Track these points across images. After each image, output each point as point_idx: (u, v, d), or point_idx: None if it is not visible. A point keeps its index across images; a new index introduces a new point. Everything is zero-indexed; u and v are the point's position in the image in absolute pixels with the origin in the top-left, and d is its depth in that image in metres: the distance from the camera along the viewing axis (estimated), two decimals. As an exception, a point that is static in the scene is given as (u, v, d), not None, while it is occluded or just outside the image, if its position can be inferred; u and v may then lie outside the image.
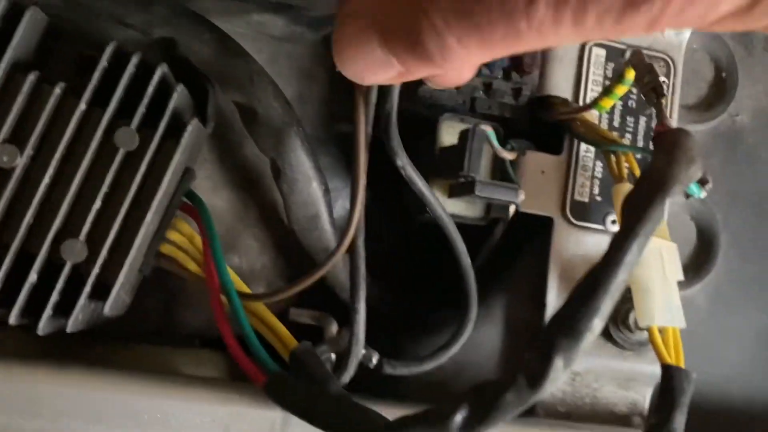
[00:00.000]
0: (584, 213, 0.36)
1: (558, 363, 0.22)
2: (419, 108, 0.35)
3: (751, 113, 0.41)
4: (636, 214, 0.23)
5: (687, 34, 0.38)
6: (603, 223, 0.36)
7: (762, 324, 0.40)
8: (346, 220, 0.31)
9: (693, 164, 0.25)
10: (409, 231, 0.39)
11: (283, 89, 0.34)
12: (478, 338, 0.36)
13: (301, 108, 0.37)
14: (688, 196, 0.30)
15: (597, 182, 0.36)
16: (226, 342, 0.27)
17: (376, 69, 0.18)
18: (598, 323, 0.22)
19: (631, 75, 0.31)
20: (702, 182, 0.29)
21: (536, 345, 0.23)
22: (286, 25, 0.36)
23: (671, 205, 0.39)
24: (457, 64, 0.16)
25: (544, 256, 0.36)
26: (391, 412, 0.25)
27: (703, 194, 0.30)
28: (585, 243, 0.36)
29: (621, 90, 0.32)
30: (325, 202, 0.34)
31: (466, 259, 0.33)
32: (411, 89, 0.36)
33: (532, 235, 0.37)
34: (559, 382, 0.23)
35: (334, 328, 0.32)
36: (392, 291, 0.38)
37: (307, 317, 0.32)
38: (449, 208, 0.35)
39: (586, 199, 0.36)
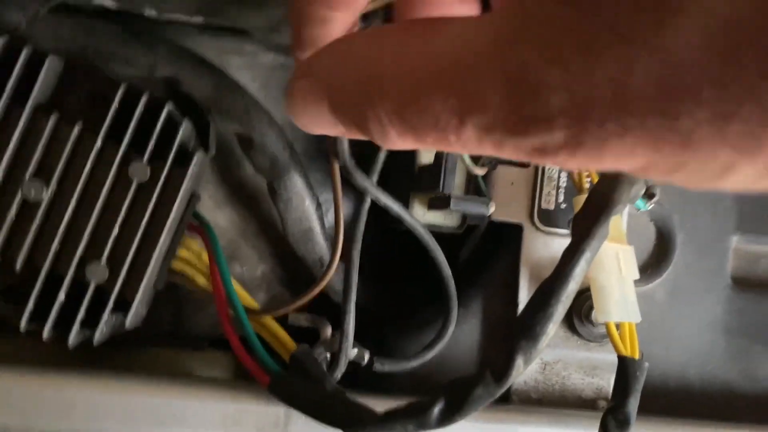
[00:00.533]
0: (551, 219, 0.40)
1: (519, 361, 0.26)
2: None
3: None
4: (582, 232, 0.26)
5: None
6: (568, 227, 0.40)
7: (716, 313, 0.44)
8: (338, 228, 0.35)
9: (635, 185, 0.28)
10: (394, 236, 0.43)
11: (276, 113, 0.37)
12: (459, 335, 0.40)
13: (293, 129, 0.41)
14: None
15: (562, 191, 0.40)
16: (233, 347, 0.31)
17: (322, 126, 0.18)
18: (551, 327, 0.26)
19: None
20: (649, 196, 0.33)
21: (501, 346, 0.27)
22: (275, 57, 0.39)
23: (631, 209, 0.43)
24: (397, 146, 0.17)
25: (516, 259, 0.40)
26: (381, 404, 0.29)
27: (649, 206, 0.33)
28: (552, 246, 0.40)
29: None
30: (318, 217, 0.38)
31: (446, 269, 0.37)
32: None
33: (504, 240, 0.41)
34: (519, 376, 0.27)
35: (328, 330, 0.36)
36: (380, 291, 0.42)
37: (304, 321, 0.36)
38: (429, 219, 0.38)
39: (552, 207, 0.40)
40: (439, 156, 0.37)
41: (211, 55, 0.36)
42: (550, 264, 0.40)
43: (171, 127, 0.32)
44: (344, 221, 0.37)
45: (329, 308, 0.38)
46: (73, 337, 0.29)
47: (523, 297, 0.40)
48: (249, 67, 0.40)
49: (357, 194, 0.38)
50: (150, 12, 0.34)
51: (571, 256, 0.26)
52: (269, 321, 0.34)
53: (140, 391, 0.31)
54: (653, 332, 0.42)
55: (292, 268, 0.41)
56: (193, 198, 0.34)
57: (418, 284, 0.43)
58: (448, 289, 0.38)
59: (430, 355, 0.38)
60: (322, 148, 0.43)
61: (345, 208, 0.40)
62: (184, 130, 0.32)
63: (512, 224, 0.40)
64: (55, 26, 0.33)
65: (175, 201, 0.31)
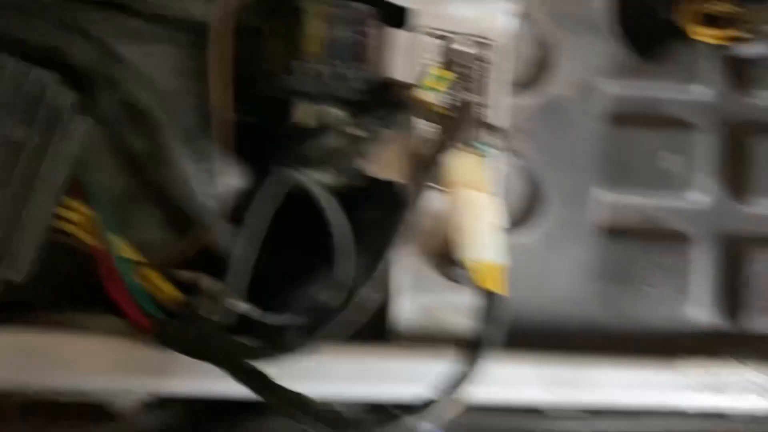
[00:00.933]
0: (428, 176, 0.43)
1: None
2: (276, 92, 0.41)
3: (569, 85, 0.49)
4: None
5: (515, 20, 0.45)
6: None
7: (583, 259, 0.48)
8: (232, 194, 0.37)
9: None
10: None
11: (163, 85, 0.40)
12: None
13: (181, 101, 0.43)
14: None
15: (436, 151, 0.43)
16: (116, 297, 0.33)
17: None
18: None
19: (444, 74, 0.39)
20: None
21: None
22: (162, 30, 0.41)
23: (506, 167, 0.47)
24: None
25: (398, 213, 0.43)
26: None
27: (494, 153, 0.37)
28: (429, 201, 0.43)
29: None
30: (202, 180, 0.40)
31: (341, 225, 0.39)
32: (271, 78, 0.42)
33: (387, 197, 0.44)
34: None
35: (215, 284, 0.38)
36: (272, 251, 0.44)
37: (188, 276, 0.38)
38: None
39: (430, 165, 0.43)
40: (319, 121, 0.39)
41: (95, 27, 0.38)
42: (427, 217, 0.43)
43: (40, 92, 0.34)
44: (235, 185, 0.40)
45: (219, 266, 0.40)
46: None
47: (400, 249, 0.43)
48: (135, 41, 0.41)
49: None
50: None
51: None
52: (152, 273, 0.36)
53: (30, 338, 0.33)
54: (527, 276, 0.46)
55: (186, 232, 0.43)
56: (73, 161, 0.36)
57: (311, 242, 0.46)
58: (343, 246, 0.41)
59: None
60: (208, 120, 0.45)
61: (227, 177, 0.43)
62: (59, 94, 0.34)
63: (393, 182, 0.43)
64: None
65: (50, 161, 0.33)
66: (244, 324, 0.39)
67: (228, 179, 0.43)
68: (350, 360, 0.38)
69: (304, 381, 0.31)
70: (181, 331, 0.32)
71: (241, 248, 0.39)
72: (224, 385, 0.35)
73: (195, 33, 0.42)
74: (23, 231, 0.32)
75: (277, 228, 0.46)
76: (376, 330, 0.43)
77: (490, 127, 0.41)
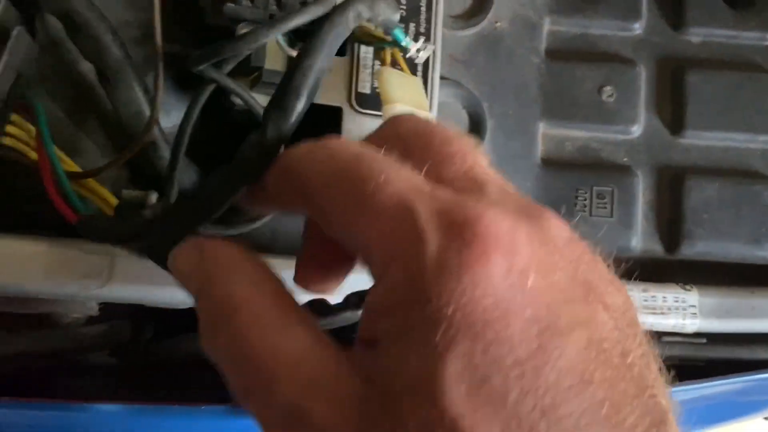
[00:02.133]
0: (366, 102, 0.45)
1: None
2: (224, 21, 0.42)
3: (509, 20, 0.50)
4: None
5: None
6: (380, 109, 0.45)
7: (524, 189, 0.49)
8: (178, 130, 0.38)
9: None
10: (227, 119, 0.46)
11: (111, 17, 0.40)
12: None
13: (129, 32, 0.44)
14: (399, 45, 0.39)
15: (376, 77, 0.45)
16: (52, 198, 0.34)
17: None
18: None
19: None
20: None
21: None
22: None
23: (447, 98, 0.49)
24: None
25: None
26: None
27: (407, 43, 0.38)
28: (368, 126, 0.44)
29: None
30: (146, 101, 0.41)
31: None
32: (217, 6, 0.43)
33: (327, 121, 0.45)
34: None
35: (155, 197, 0.39)
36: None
37: (134, 193, 0.39)
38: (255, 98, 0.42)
39: (368, 91, 0.45)
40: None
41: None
42: (366, 141, 0.45)
43: None
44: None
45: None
46: None
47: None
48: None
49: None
50: None
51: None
52: (98, 188, 0.37)
53: None
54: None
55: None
56: (19, 78, 0.37)
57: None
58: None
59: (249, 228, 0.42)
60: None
61: (176, 111, 0.44)
62: (7, 10, 0.35)
63: (333, 107, 0.44)
64: None
65: None
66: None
67: (172, 117, 0.44)
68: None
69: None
70: (106, 222, 0.33)
71: (189, 175, 0.40)
72: (168, 293, 0.36)
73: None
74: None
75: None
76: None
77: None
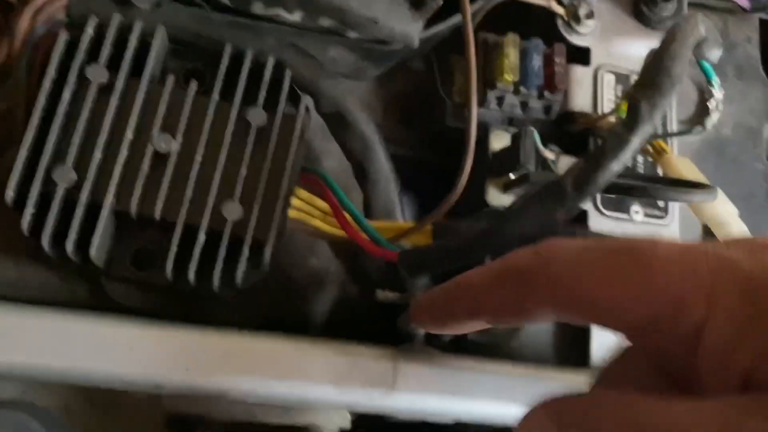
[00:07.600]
0: (611, 204, 0.43)
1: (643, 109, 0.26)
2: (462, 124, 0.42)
3: (731, 127, 0.49)
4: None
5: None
6: (628, 212, 0.43)
7: None
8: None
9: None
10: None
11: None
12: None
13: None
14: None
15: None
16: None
17: None
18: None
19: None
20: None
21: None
22: (355, 62, 0.43)
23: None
24: None
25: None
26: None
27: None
28: (614, 231, 0.43)
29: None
30: (400, 201, 0.40)
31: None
32: (459, 111, 0.43)
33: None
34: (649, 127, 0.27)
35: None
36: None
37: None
38: (504, 201, 0.41)
39: (613, 195, 0.43)
40: (516, 136, 0.40)
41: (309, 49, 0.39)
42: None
43: (277, 78, 0.35)
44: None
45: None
46: (217, 278, 0.30)
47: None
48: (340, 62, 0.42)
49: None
50: (257, 7, 0.37)
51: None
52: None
53: (258, 344, 0.32)
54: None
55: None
56: (304, 143, 0.36)
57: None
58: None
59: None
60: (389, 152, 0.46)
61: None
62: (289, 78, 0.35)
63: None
64: (172, 13, 0.36)
65: (291, 142, 0.33)
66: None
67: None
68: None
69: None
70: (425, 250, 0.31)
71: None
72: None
73: (383, 66, 0.44)
74: (276, 213, 0.31)
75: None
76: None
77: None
